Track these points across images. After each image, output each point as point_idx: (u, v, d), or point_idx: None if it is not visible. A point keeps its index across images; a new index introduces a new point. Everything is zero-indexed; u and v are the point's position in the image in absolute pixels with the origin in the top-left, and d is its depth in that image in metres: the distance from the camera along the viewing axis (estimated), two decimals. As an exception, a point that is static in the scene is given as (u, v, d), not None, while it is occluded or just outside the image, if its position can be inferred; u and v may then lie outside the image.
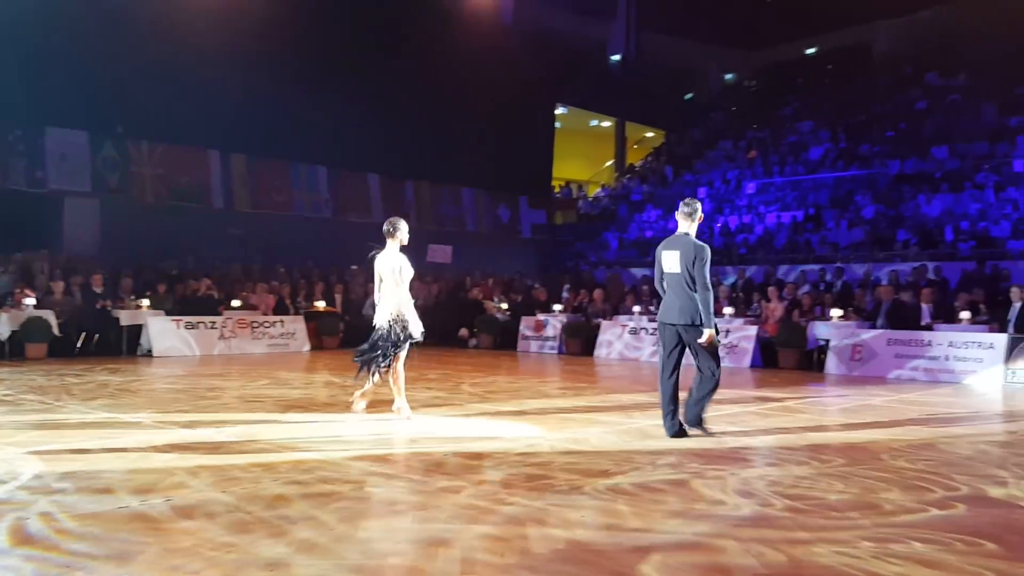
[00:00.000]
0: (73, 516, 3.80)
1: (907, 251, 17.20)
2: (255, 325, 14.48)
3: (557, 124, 29.11)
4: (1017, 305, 11.80)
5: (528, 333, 16.15)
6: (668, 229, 23.19)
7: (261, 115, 18.37)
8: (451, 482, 4.60)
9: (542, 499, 4.24)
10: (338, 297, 16.60)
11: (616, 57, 31.25)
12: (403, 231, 6.73)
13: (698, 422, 6.27)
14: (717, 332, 6.25)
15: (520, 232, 25.09)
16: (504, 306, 17.43)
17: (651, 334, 14.34)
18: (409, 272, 6.73)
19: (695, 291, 6.02)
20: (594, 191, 31.42)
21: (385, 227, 6.76)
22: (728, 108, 31.21)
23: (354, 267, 18.62)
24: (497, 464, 5.13)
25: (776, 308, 14.09)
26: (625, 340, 14.69)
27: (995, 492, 4.69)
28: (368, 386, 6.82)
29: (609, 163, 34.11)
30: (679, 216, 6.33)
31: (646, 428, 6.64)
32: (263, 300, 15.45)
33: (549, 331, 15.86)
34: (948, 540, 3.69)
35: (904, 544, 3.60)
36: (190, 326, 13.69)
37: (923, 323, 12.39)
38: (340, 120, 19.59)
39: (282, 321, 14.95)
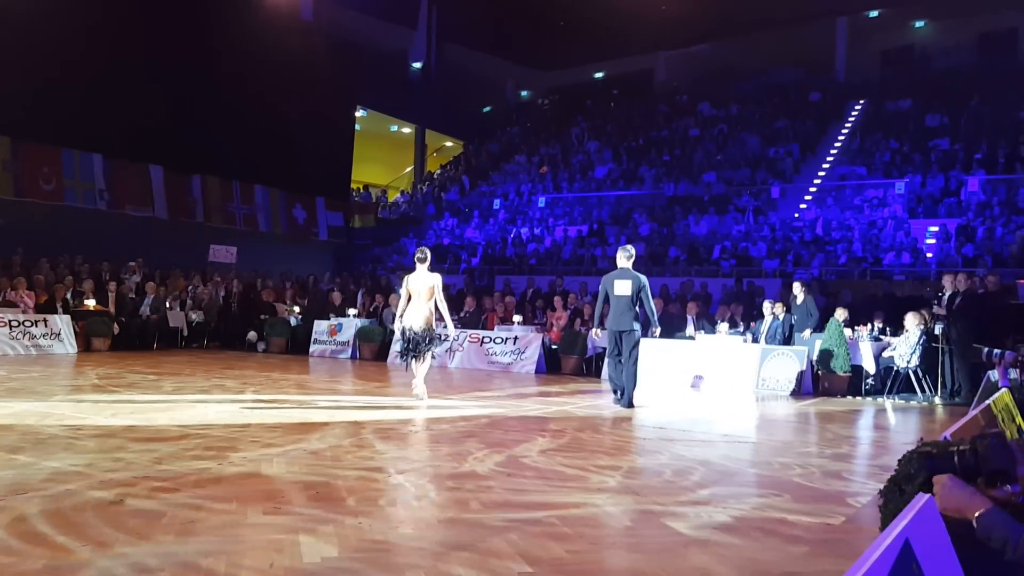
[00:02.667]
0: None
1: (677, 267, 18.69)
2: (14, 324, 13.21)
3: (357, 127, 28.87)
4: (769, 319, 13.17)
5: (321, 337, 15.91)
6: (466, 237, 23.75)
7: (29, 94, 16.77)
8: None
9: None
10: (111, 296, 15.47)
11: (417, 65, 31.56)
12: (430, 257, 9.06)
13: (630, 403, 8.91)
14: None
15: (316, 234, 24.57)
16: (296, 309, 17.04)
17: (443, 340, 14.57)
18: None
19: (634, 308, 8.87)
20: (393, 196, 31.46)
21: (418, 255, 8.97)
22: (523, 124, 32.39)
23: (132, 263, 17.43)
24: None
25: (561, 317, 14.84)
26: (417, 345, 14.82)
27: (654, 461, 5.36)
28: (420, 375, 8.83)
29: (408, 169, 34.29)
30: (621, 258, 9.09)
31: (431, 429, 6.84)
32: (25, 297, 14.11)
33: (343, 336, 15.70)
34: (752, 493, 4.32)
35: (745, 500, 4.32)
36: (-67, 324, 12.27)
37: (688, 333, 13.55)
38: (120, 106, 18.27)
39: (45, 320, 13.73)
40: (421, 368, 8.87)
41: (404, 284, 9.02)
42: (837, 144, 23.84)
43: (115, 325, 14.82)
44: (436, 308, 8.93)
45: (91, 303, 14.83)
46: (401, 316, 8.92)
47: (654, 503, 4.58)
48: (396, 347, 9.36)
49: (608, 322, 9.14)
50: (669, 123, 27.59)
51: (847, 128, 24.54)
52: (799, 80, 27.97)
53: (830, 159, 23.16)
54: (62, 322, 13.96)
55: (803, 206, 21.10)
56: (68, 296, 14.92)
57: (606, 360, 9.97)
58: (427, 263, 8.93)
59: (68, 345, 13.83)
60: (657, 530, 4.03)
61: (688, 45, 30.29)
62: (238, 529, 3.73)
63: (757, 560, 3.56)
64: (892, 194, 19.69)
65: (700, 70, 30.32)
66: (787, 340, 12.67)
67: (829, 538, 3.97)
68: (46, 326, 13.67)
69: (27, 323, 13.43)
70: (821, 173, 22.51)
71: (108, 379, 10.06)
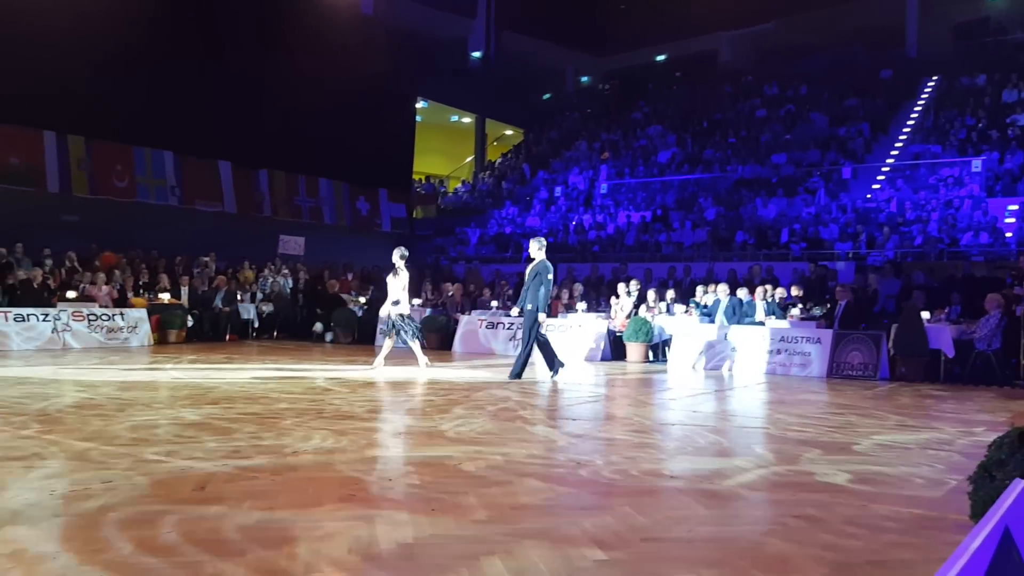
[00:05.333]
0: None
1: (745, 251, 18.33)
2: (92, 318, 13.69)
3: (418, 118, 29.06)
4: (842, 303, 12.82)
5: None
6: (527, 225, 23.73)
7: (102, 95, 17.34)
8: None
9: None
10: (184, 289, 15.92)
11: (477, 54, 31.59)
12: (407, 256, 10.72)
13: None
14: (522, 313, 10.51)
15: (380, 225, 24.86)
16: (362, 300, 17.27)
17: (507, 328, 14.63)
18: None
19: None
20: (454, 186, 31.61)
21: (403, 252, 10.57)
22: (583, 110, 32.12)
23: (205, 258, 17.88)
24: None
25: (625, 304, 14.70)
26: (482, 333, 14.90)
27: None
28: (385, 352, 10.84)
29: (469, 159, 34.39)
30: (539, 248, 10.87)
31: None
32: (103, 291, 14.62)
33: (407, 325, 15.83)
34: (830, 481, 4.11)
35: (824, 487, 3.99)
36: (20, 318, 12.77)
37: (758, 319, 13.27)
38: (188, 104, 18.77)
39: (122, 314, 14.20)
40: (405, 346, 10.95)
41: (403, 278, 10.54)
42: (910, 122, 23.06)
43: (188, 317, 15.25)
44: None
45: (165, 296, 15.27)
46: (408, 304, 10.74)
47: (727, 490, 4.49)
48: (409, 331, 10.75)
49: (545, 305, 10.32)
50: (734, 104, 27.04)
51: (920, 105, 23.71)
52: (869, 57, 27.09)
53: (903, 138, 22.43)
54: (138, 315, 14.41)
55: (876, 186, 20.48)
56: (144, 290, 15.40)
57: (543, 343, 10.26)
58: (404, 260, 10.70)
59: (144, 337, 14.28)
60: (733, 516, 3.94)
61: (752, 24, 29.62)
62: (314, 516, 3.78)
63: (839, 547, 3.46)
64: (968, 172, 18.97)
65: (765, 49, 29.63)
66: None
67: (913, 526, 3.83)
68: (123, 319, 14.12)
69: (104, 316, 13.90)
70: (894, 152, 21.81)
71: (184, 369, 10.34)
